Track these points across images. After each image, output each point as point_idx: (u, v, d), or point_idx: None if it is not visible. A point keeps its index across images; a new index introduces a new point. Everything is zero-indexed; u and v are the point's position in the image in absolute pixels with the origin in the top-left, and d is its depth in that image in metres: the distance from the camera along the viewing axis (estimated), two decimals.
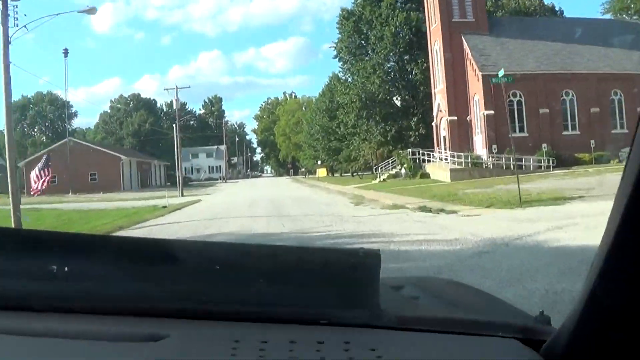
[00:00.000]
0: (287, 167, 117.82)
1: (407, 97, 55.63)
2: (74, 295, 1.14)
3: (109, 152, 68.77)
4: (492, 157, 40.71)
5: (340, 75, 63.26)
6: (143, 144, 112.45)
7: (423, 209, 18.09)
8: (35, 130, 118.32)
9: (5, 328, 1.07)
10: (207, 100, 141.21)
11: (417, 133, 53.01)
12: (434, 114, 48.72)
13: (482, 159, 41.07)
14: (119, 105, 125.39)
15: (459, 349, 1.02)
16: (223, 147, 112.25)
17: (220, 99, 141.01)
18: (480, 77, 43.11)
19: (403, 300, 1.41)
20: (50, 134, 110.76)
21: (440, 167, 41.80)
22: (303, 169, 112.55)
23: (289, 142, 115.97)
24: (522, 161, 39.70)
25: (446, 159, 42.34)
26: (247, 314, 1.11)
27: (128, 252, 1.19)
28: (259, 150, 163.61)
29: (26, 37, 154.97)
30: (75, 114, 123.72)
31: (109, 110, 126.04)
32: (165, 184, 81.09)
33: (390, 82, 54.09)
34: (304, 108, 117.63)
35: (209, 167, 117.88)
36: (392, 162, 48.92)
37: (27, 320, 1.10)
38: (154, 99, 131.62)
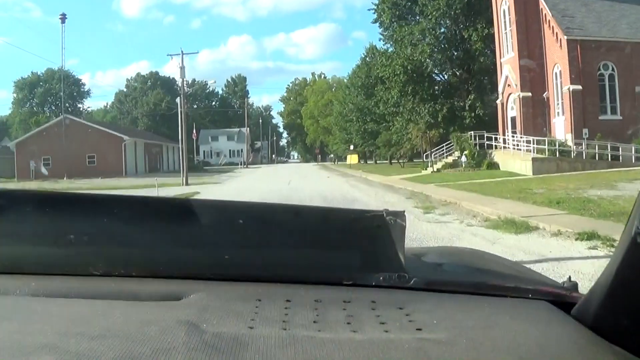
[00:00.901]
0: (315, 152, 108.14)
1: (461, 70, 45.90)
2: (92, 257, 1.15)
3: (109, 131, 59.94)
4: (582, 145, 31.07)
5: (380, 44, 53.63)
6: (158, 125, 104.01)
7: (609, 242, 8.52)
8: (45, 109, 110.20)
9: (23, 290, 1.08)
10: (230, 80, 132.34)
11: (473, 114, 43.33)
12: (500, 89, 38.94)
13: (569, 146, 31.37)
14: (135, 84, 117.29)
15: (489, 309, 1.01)
16: (245, 130, 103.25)
17: (245, 79, 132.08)
18: (564, 42, 33.48)
19: (428, 265, 1.37)
20: (60, 113, 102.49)
21: (514, 156, 32.14)
22: (332, 155, 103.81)
23: (317, 126, 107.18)
24: (618, 150, 30.33)
25: (517, 146, 32.83)
26: (270, 274, 1.11)
27: (147, 212, 1.19)
28: (285, 134, 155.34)
29: (54, 20, 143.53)
30: (88, 93, 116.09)
31: (125, 89, 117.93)
32: (179, 168, 72.43)
33: (442, 51, 44.24)
34: (333, 89, 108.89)
35: (230, 151, 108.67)
36: (447, 148, 39.14)
37: (43, 283, 1.11)
38: (173, 78, 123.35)
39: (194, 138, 72.57)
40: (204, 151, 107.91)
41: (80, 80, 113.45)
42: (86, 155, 58.10)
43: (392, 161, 55.26)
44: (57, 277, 1.13)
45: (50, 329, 0.88)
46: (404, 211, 1.06)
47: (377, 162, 70.68)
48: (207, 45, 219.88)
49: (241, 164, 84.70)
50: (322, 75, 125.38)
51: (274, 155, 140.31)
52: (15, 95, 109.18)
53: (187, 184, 37.85)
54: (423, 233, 10.86)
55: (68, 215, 1.16)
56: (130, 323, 0.90)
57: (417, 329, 0.89)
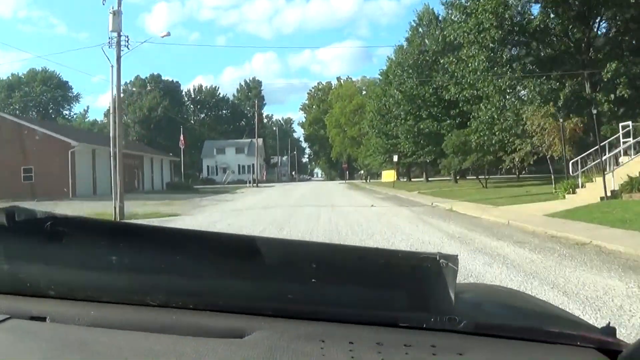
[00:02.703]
0: (342, 167, 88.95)
1: (583, 26, 27.74)
2: (150, 287, 1.18)
3: (51, 134, 42.02)
4: None
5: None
6: (153, 134, 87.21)
7: None
8: (27, 114, 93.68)
9: (83, 319, 1.11)
10: (242, 84, 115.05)
11: (612, 95, 25.27)
12: None
13: None
14: (134, 89, 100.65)
15: (542, 356, 1.04)
16: (258, 142, 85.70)
17: (260, 82, 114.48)
18: None
19: (468, 304, 1.32)
20: (40, 119, 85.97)
21: None
22: (361, 172, 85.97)
23: (344, 136, 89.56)
24: None
25: None
26: (332, 314, 1.13)
27: (210, 247, 1.20)
28: (307, 149, 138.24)
29: (79, 35, 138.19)
30: (76, 98, 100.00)
31: (121, 95, 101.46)
32: (168, 187, 54.76)
33: None
34: (363, 92, 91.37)
35: (239, 166, 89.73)
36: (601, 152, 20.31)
37: (102, 312, 1.14)
38: (177, 81, 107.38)
39: (182, 146, 55.01)
40: (207, 166, 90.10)
41: (67, 83, 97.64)
42: (21, 167, 40.68)
43: (458, 177, 37.29)
44: (113, 306, 1.15)
45: None
46: (456, 255, 1.07)
47: (429, 179, 52.70)
48: (231, 62, 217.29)
49: (249, 183, 67.03)
50: (349, 79, 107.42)
51: (294, 173, 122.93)
52: None
53: (122, 216, 21.25)
54: None
55: (128, 245, 1.16)
56: None
57: None
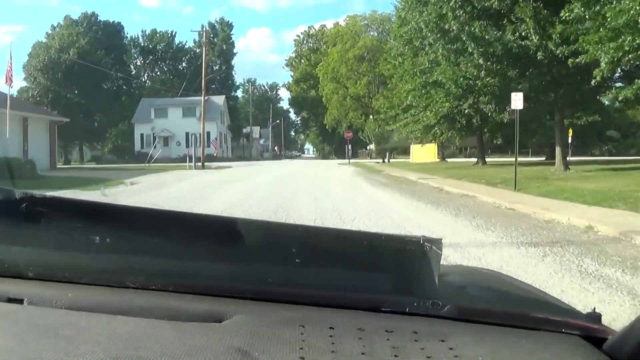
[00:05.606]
0: (345, 137, 58.43)
1: None
2: (130, 269, 1.17)
3: None
4: None
5: None
6: (61, 87, 59.44)
7: None
8: None
9: (60, 302, 1.10)
10: (207, 27, 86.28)
11: None
12: None
13: None
14: (62, 32, 72.34)
15: (528, 345, 1.02)
16: (214, 100, 57.21)
17: (230, 26, 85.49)
18: None
19: (451, 287, 1.33)
20: None
21: None
22: (370, 147, 59.06)
23: (344, 95, 62.07)
24: None
25: None
26: (314, 297, 1.13)
27: (189, 228, 1.19)
28: (295, 119, 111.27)
29: (71, 8, 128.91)
30: None
31: (44, 40, 72.80)
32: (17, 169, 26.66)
33: None
34: (373, 33, 64.16)
35: (189, 135, 59.74)
36: None
37: (80, 294, 1.13)
38: (119, 23, 79.53)
39: (9, 85, 26.87)
40: (141, 134, 61.32)
41: None
42: None
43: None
44: (92, 288, 1.15)
45: (101, 350, 0.88)
46: (441, 239, 1.08)
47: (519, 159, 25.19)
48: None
49: (189, 161, 39.91)
50: (354, 16, 78.72)
51: (276, 148, 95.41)
52: None
53: None
54: None
55: (107, 226, 1.16)
56: (181, 347, 0.91)
57: None
